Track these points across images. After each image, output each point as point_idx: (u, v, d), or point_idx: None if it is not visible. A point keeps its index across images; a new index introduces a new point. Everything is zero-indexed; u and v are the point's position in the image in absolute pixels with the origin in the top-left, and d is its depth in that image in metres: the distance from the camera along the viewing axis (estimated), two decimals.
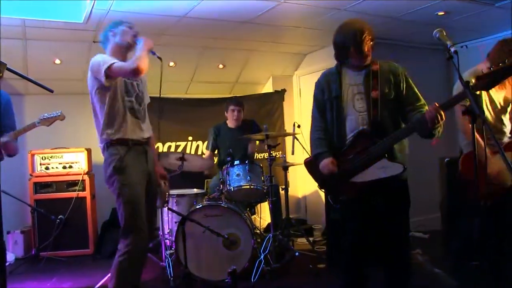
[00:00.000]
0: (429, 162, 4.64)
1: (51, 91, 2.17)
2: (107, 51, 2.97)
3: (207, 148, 5.11)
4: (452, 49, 2.31)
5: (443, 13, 4.39)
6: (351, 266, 2.95)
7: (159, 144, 5.71)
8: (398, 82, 2.76)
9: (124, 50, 2.96)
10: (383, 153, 2.65)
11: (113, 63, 2.73)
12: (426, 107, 2.65)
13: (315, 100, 3.00)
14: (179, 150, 5.73)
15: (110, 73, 2.72)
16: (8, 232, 4.82)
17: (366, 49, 2.74)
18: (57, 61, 5.00)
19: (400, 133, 2.67)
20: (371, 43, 2.76)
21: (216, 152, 5.02)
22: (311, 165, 2.99)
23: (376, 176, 2.67)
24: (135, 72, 2.71)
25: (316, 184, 3.01)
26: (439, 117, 2.47)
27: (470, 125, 2.23)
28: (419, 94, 2.79)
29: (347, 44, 2.78)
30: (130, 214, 2.77)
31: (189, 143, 5.88)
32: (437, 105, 2.48)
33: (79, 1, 4.00)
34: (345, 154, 2.78)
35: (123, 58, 2.91)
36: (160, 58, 2.89)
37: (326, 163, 2.79)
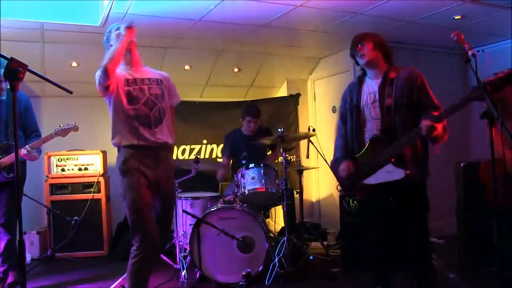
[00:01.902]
0: (444, 167, 4.59)
1: (70, 92, 2.19)
2: None
3: (222, 154, 5.11)
4: (470, 52, 2.31)
5: (459, 16, 4.35)
6: (374, 263, 3.12)
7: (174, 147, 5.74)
8: (413, 87, 2.84)
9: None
10: (388, 158, 2.81)
11: (96, 79, 2.79)
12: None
13: (339, 110, 3.26)
14: (194, 153, 5.74)
15: (103, 89, 2.79)
16: (24, 233, 4.86)
17: (360, 56, 2.94)
18: (74, 64, 5.06)
19: (402, 140, 2.77)
20: (370, 47, 2.91)
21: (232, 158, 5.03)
22: (335, 167, 3.21)
23: (381, 180, 2.86)
24: (105, 75, 2.72)
25: (331, 188, 3.15)
26: (431, 131, 2.60)
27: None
28: (434, 99, 2.86)
29: (352, 55, 3.04)
30: (134, 217, 2.79)
31: (204, 146, 5.89)
32: (429, 121, 2.59)
33: (96, 4, 4.05)
34: (361, 158, 2.96)
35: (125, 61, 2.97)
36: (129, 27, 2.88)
37: (343, 167, 3.05)
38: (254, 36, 4.88)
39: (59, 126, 3.73)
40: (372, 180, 2.92)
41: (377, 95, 2.91)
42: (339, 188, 3.20)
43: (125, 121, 2.85)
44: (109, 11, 3.86)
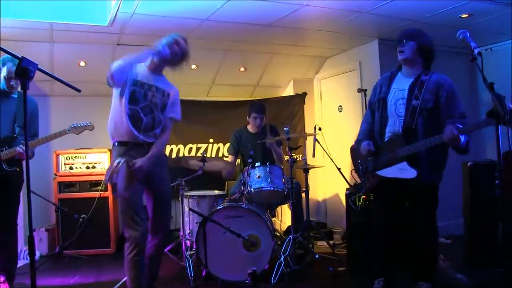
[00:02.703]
0: (451, 166, 4.57)
1: (79, 91, 2.22)
2: None
3: (228, 152, 5.13)
4: (476, 51, 2.31)
5: (466, 15, 4.33)
6: (378, 254, 3.27)
7: (180, 146, 5.78)
8: (441, 93, 2.93)
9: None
10: (404, 156, 2.93)
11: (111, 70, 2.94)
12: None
13: (369, 99, 3.39)
14: (200, 152, 5.77)
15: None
16: (33, 230, 4.92)
17: (400, 52, 3.04)
18: (82, 63, 5.10)
19: (422, 142, 2.86)
20: (413, 47, 2.99)
21: (238, 156, 5.04)
22: (354, 150, 3.38)
23: (394, 175, 3.00)
24: (109, 80, 2.92)
25: (337, 187, 3.26)
26: (455, 141, 2.69)
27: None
28: (460, 107, 2.94)
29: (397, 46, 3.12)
30: (124, 212, 2.96)
31: (210, 145, 5.92)
32: (455, 131, 2.66)
33: (104, 5, 4.08)
34: (380, 150, 3.12)
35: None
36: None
37: (364, 145, 3.17)
38: (260, 35, 4.89)
39: (73, 123, 3.74)
40: (384, 173, 3.06)
41: (405, 93, 3.01)
42: (354, 173, 3.41)
43: (121, 117, 2.97)
44: (117, 11, 3.89)
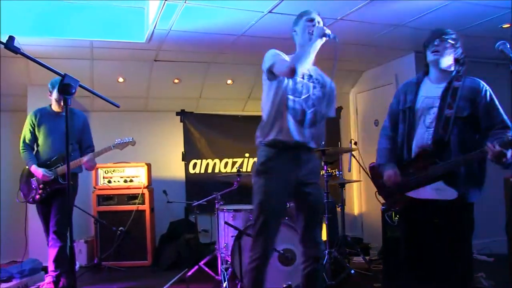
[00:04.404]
0: (494, 181, 4.41)
1: (118, 106, 2.29)
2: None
3: None
4: None
5: (508, 25, 4.22)
6: (407, 278, 2.87)
7: (216, 160, 5.83)
8: (479, 100, 2.58)
9: None
10: (440, 175, 2.55)
11: (274, 64, 2.64)
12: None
13: (389, 108, 2.95)
14: (236, 166, 5.81)
15: (271, 72, 2.67)
16: (73, 241, 5.06)
17: (434, 52, 2.65)
18: (120, 80, 5.25)
19: (461, 159, 2.51)
20: (448, 44, 2.65)
21: None
22: (375, 170, 2.94)
23: (429, 196, 2.60)
24: (288, 74, 2.56)
25: (373, 202, 3.05)
26: (500, 157, 2.34)
27: None
28: (504, 117, 2.57)
29: (425, 45, 2.72)
30: (260, 221, 2.63)
31: (246, 159, 5.95)
32: (498, 147, 2.32)
33: (141, 22, 4.20)
34: (407, 167, 2.69)
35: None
36: (335, 38, 2.68)
37: (391, 175, 2.72)
38: (295, 49, 4.89)
39: (117, 140, 3.98)
40: (416, 194, 2.65)
41: (436, 101, 2.63)
42: (378, 194, 2.97)
43: (281, 111, 2.67)
44: (154, 28, 3.99)
